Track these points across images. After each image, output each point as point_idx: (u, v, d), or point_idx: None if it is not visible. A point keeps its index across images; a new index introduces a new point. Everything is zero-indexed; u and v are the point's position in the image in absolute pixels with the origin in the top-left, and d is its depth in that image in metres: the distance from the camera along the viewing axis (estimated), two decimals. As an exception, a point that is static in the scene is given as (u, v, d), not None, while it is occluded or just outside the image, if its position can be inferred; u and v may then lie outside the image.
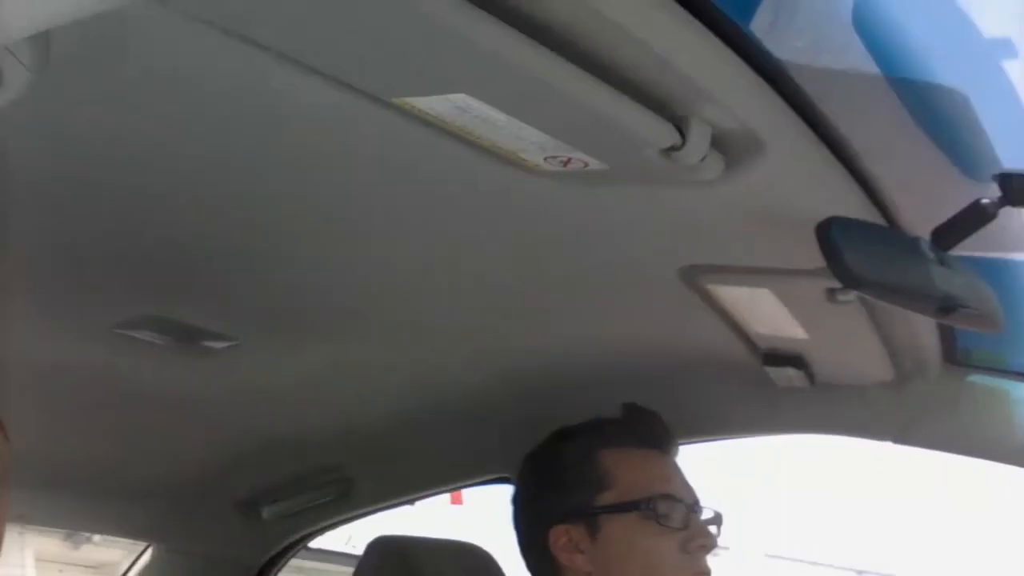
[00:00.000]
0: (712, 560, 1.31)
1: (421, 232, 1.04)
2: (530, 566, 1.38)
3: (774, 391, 1.41)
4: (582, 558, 1.31)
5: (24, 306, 0.71)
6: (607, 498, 1.31)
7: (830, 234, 0.89)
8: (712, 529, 1.32)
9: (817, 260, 0.97)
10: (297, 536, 2.16)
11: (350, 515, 2.06)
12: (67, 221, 1.01)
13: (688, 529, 1.28)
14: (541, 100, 0.75)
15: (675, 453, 1.38)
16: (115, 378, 1.39)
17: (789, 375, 1.35)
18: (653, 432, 1.35)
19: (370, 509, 2.01)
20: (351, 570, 1.45)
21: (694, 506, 1.31)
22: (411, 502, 2.01)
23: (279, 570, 2.29)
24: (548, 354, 1.44)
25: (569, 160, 0.86)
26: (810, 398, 1.43)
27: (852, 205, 0.95)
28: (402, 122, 0.78)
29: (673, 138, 0.80)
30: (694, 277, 1.10)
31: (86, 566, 7.02)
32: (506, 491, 1.80)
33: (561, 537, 1.32)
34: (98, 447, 1.61)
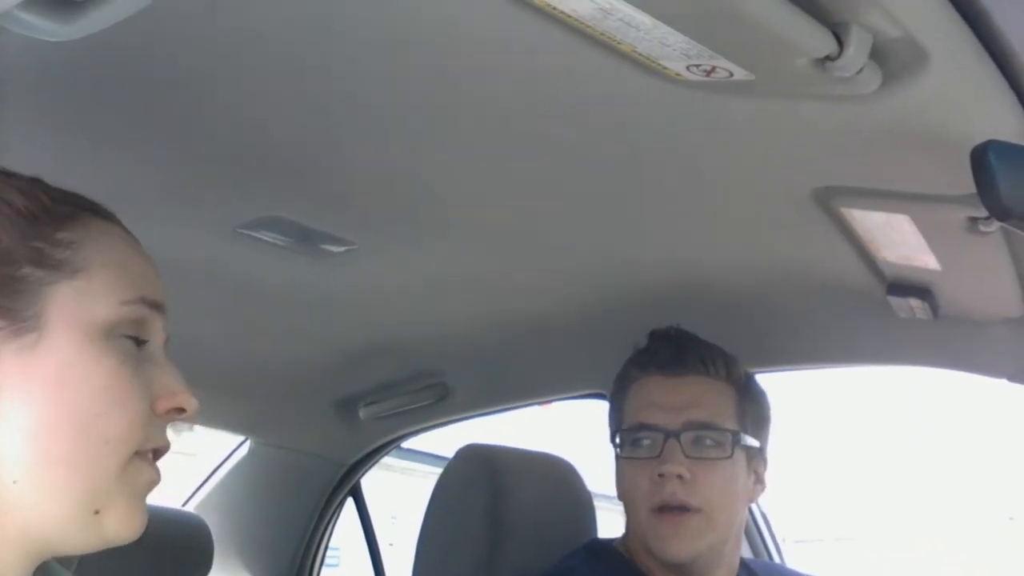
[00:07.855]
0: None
1: (544, 141, 1.01)
2: None
3: (893, 321, 1.35)
4: (618, 491, 1.33)
5: (149, 204, 0.71)
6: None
7: (986, 158, 0.82)
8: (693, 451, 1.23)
9: (964, 186, 0.91)
10: (390, 437, 2.20)
11: (444, 420, 2.08)
12: (192, 121, 1.00)
13: (660, 456, 1.24)
14: (691, 2, 0.70)
15: (691, 372, 1.28)
16: (232, 277, 1.40)
17: (912, 306, 1.30)
18: (656, 356, 1.31)
19: (464, 416, 2.03)
20: (438, 471, 1.47)
21: (676, 431, 1.24)
22: (505, 411, 2.02)
23: (370, 468, 2.35)
24: (660, 271, 1.40)
25: (713, 69, 0.81)
26: (930, 331, 1.37)
27: (1012, 129, 0.88)
28: (537, 27, 0.75)
29: (830, 47, 0.75)
30: (828, 199, 1.04)
31: (186, 453, 7.37)
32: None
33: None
34: (208, 342, 1.64)
